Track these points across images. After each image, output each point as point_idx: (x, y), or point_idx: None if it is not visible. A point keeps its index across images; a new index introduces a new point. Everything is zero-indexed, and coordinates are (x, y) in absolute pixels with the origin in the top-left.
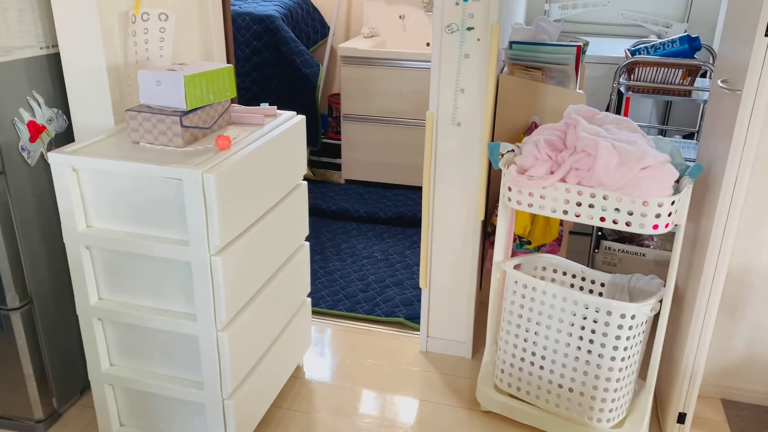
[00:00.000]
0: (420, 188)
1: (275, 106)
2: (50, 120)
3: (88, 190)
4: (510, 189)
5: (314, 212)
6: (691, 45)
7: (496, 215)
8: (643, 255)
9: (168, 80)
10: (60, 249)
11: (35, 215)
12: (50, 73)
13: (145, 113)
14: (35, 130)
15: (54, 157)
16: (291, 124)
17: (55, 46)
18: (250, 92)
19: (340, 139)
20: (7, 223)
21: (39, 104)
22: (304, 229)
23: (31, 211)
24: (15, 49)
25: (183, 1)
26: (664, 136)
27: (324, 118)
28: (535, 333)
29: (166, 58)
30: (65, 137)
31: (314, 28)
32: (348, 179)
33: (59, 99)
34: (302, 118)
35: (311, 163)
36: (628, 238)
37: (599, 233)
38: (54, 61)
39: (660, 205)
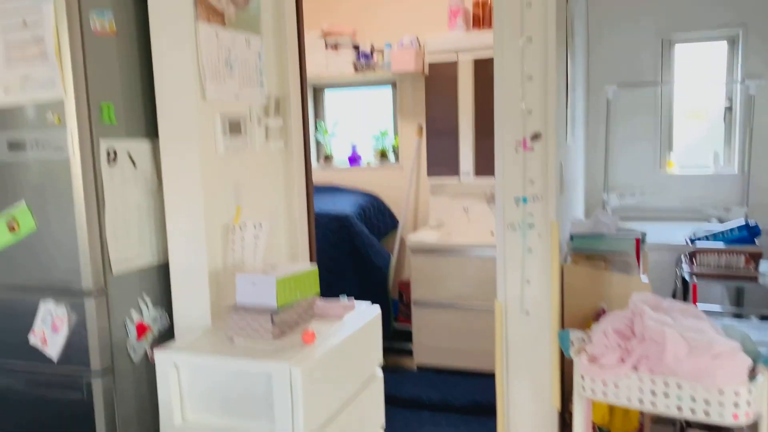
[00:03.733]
0: (494, 374)
1: (353, 298)
2: (155, 319)
3: (185, 384)
4: (583, 377)
5: (387, 400)
6: (750, 232)
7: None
8: None
9: (262, 282)
10: None
11: (135, 412)
12: (158, 278)
13: (240, 312)
14: (142, 330)
15: (160, 354)
16: (368, 318)
17: (165, 254)
18: (326, 281)
19: (411, 325)
20: (110, 421)
21: (147, 306)
22: (380, 419)
23: (132, 408)
24: (133, 259)
25: (274, 210)
26: (741, 318)
27: (395, 304)
28: None
29: (259, 260)
30: (165, 335)
31: (384, 222)
32: (420, 365)
33: (164, 300)
34: (378, 311)
35: (383, 350)
36: (715, 426)
37: (685, 421)
38: (163, 268)
39: (737, 394)
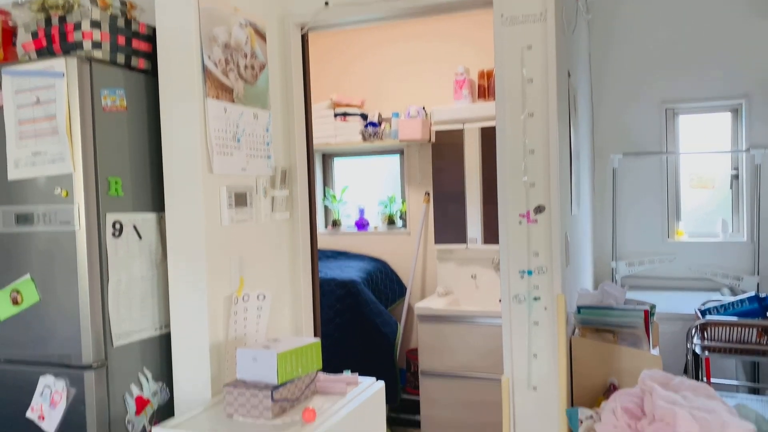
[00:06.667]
0: None
1: (356, 373)
2: (155, 393)
3: None
4: None
5: None
6: (761, 304)
7: None
8: None
9: (263, 357)
10: None
11: None
12: (160, 350)
13: (240, 388)
14: (141, 404)
15: None
16: (370, 393)
17: (167, 326)
18: (331, 351)
19: (418, 395)
20: None
21: (147, 379)
22: None
23: None
24: (134, 332)
25: (278, 281)
26: (757, 394)
27: (402, 373)
28: None
29: (261, 333)
30: (165, 409)
31: (392, 288)
32: None
33: (164, 373)
34: (381, 386)
35: (391, 420)
36: None
37: None
38: (164, 340)
39: None
